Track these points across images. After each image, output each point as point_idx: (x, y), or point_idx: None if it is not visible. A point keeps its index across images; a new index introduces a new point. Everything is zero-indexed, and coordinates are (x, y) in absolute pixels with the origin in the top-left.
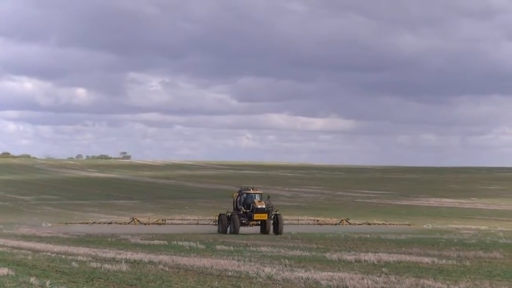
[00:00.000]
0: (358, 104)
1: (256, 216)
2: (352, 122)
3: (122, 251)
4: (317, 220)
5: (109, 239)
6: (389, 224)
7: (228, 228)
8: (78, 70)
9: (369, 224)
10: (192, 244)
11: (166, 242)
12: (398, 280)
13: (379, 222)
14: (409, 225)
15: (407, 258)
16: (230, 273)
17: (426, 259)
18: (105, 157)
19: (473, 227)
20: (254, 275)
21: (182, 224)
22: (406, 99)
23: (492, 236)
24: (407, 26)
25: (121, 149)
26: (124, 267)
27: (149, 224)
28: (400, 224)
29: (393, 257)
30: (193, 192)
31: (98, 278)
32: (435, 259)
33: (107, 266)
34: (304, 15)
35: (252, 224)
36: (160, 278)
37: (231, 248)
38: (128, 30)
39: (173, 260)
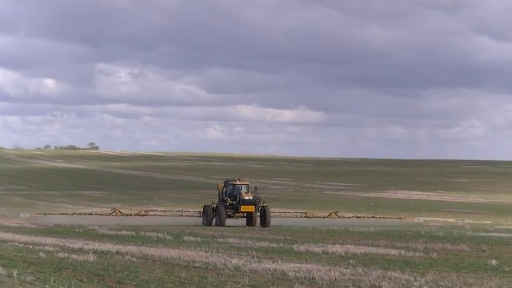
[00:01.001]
0: (327, 96)
1: (243, 208)
2: (321, 114)
3: (89, 242)
4: (305, 213)
5: (76, 230)
6: (379, 217)
7: (214, 220)
8: (47, 60)
9: (358, 217)
10: (159, 235)
11: (133, 233)
12: (365, 272)
13: (368, 216)
14: (400, 218)
15: (374, 250)
16: (197, 264)
17: (393, 251)
18: (73, 148)
19: (441, 219)
20: (222, 266)
21: (165, 215)
22: (375, 91)
23: (459, 228)
24: (375, 18)
25: (89, 140)
26: (91, 257)
27: (131, 215)
28: (391, 218)
29: (360, 249)
30: (161, 183)
31: (66, 268)
32: (402, 251)
33: (74, 256)
34: (273, 8)
35: (238, 216)
36: (128, 269)
37: (199, 239)
38: (97, 21)
39: (140, 251)
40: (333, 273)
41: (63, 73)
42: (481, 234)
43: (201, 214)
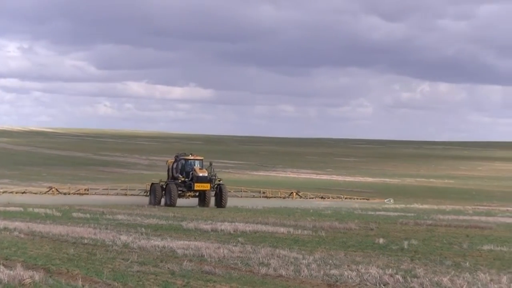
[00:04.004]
0: (218, 73)
1: (197, 186)
2: (211, 91)
3: None
4: (264, 192)
5: None
6: (345, 198)
7: (163, 200)
8: None
9: (322, 198)
10: (48, 211)
11: (21, 209)
12: (254, 249)
13: (333, 196)
14: (368, 199)
15: (263, 228)
16: (86, 241)
17: (282, 229)
18: None
19: (329, 199)
20: (110, 243)
21: (108, 194)
22: (265, 69)
23: (347, 207)
24: None
25: None
26: None
27: (69, 194)
28: (358, 199)
29: (249, 227)
30: (50, 159)
31: None
32: (291, 229)
33: None
34: None
35: (189, 195)
36: (15, 245)
37: (88, 215)
38: None
39: (28, 227)
40: (222, 251)
41: None
42: (369, 213)
43: (148, 193)
